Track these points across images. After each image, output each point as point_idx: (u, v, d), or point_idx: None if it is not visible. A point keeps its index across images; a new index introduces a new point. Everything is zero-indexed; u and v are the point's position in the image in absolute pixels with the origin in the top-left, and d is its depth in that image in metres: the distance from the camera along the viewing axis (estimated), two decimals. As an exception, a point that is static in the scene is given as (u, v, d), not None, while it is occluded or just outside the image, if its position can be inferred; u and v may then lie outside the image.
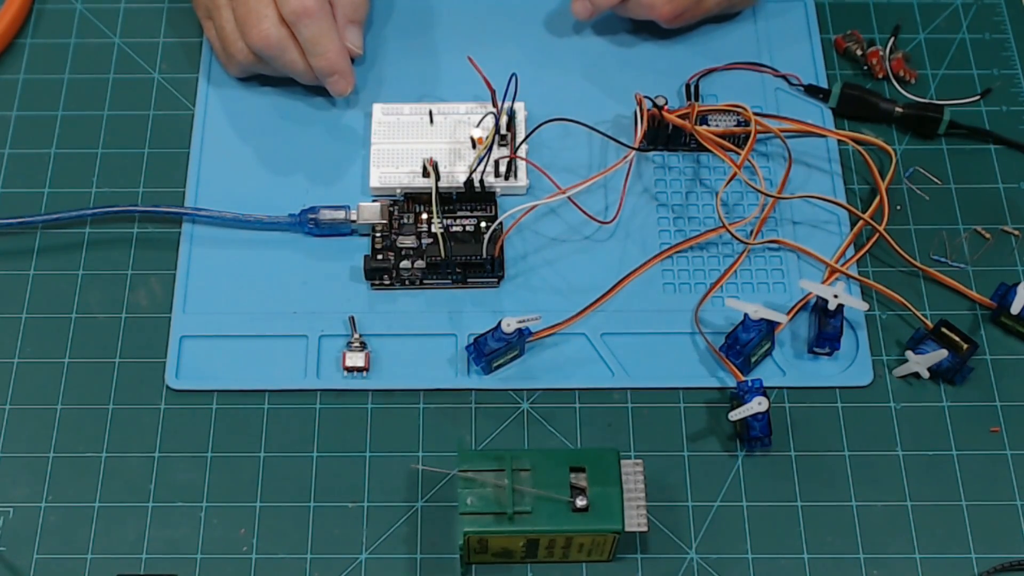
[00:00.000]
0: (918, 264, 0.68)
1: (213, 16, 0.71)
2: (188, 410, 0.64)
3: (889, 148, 0.71)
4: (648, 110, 0.70)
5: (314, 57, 0.69)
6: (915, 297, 0.67)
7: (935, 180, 0.71)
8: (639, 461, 0.59)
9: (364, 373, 0.65)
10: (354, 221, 0.68)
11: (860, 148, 0.71)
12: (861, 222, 0.68)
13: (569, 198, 0.67)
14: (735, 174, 0.68)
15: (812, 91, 0.74)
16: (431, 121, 0.71)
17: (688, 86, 0.73)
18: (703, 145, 0.70)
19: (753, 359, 0.64)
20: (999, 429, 0.64)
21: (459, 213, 0.69)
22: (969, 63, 0.76)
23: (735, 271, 0.68)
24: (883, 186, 0.69)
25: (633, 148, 0.70)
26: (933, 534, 0.61)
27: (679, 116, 0.70)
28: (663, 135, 0.71)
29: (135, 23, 0.77)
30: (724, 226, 0.67)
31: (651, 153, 0.72)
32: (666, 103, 0.70)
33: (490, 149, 0.69)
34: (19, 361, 0.66)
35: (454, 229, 0.68)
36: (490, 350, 0.63)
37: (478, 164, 0.68)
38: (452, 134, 0.71)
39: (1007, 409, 0.64)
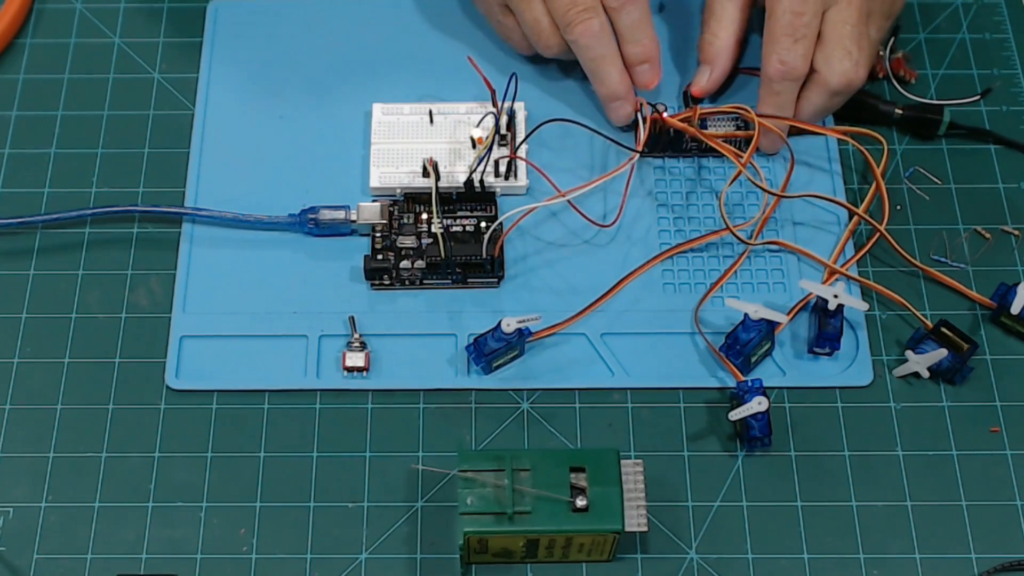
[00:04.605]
0: (918, 264, 0.68)
1: (520, 9, 0.70)
2: (188, 410, 0.64)
3: (880, 136, 0.70)
4: (649, 115, 0.69)
5: (630, 44, 0.69)
6: (915, 297, 0.67)
7: (935, 180, 0.71)
8: (639, 461, 0.59)
9: (364, 373, 0.65)
10: (354, 221, 0.68)
11: (856, 143, 0.71)
12: (856, 218, 0.68)
13: (569, 202, 0.67)
14: (740, 171, 0.68)
15: (812, 91, 0.73)
16: (431, 121, 0.71)
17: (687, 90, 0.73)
18: (704, 149, 0.70)
19: (753, 359, 0.64)
20: (999, 429, 0.64)
21: (459, 213, 0.69)
22: (969, 63, 0.75)
23: (735, 271, 0.68)
24: (878, 172, 0.69)
25: (636, 152, 0.69)
26: (933, 534, 0.61)
27: (681, 120, 0.70)
28: (664, 140, 0.71)
29: (135, 23, 0.77)
30: (727, 226, 0.67)
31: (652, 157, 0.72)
32: (666, 109, 0.69)
33: (490, 149, 0.69)
34: (19, 361, 0.66)
35: (454, 229, 0.68)
36: (490, 350, 0.63)
37: (478, 164, 0.68)
38: (452, 134, 0.71)
39: (1007, 409, 0.64)
